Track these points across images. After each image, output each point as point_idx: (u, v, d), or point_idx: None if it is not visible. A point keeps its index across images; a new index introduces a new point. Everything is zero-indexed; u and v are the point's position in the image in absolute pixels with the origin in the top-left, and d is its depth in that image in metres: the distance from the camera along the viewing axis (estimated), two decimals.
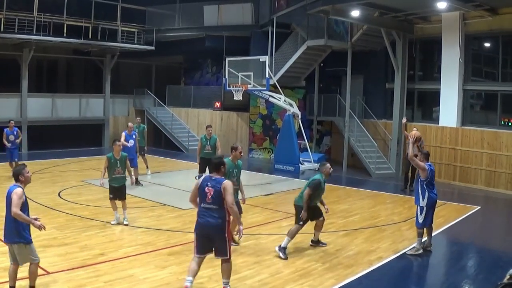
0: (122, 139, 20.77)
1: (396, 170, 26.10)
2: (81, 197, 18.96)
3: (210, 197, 9.52)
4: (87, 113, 35.05)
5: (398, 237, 14.55)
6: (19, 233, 9.11)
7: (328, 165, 13.29)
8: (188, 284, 9.48)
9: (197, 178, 17.25)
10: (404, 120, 20.26)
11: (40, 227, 9.24)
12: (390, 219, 16.77)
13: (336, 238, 14.31)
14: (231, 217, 9.81)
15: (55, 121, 33.24)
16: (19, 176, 9.39)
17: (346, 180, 25.16)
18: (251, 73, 26.88)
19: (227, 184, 9.59)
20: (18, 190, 9.11)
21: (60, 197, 18.62)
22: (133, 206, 17.82)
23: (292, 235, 12.84)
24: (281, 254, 12.53)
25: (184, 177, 23.93)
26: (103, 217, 15.96)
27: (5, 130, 21.54)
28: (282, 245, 12.71)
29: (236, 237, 9.89)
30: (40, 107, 33.08)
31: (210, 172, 10.02)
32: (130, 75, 40.67)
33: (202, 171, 19.43)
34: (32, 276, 9.41)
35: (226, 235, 9.59)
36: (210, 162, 10.38)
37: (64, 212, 16.12)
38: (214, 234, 9.54)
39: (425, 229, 13.08)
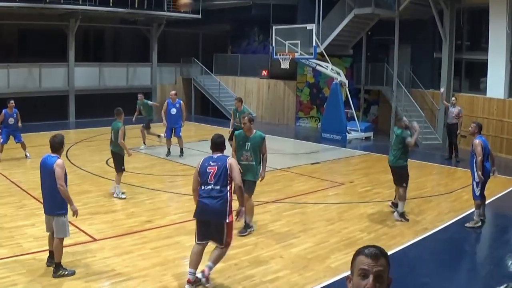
0: (165, 107, 21.04)
1: (443, 140, 25.86)
2: (128, 165, 19.22)
3: (213, 176, 8.78)
4: (134, 81, 35.35)
5: (444, 209, 14.60)
6: (61, 204, 9.21)
7: (404, 118, 14.18)
8: (191, 277, 8.84)
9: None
10: (442, 90, 20.20)
11: (75, 213, 9.43)
12: (436, 190, 16.77)
13: (382, 208, 14.35)
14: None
15: (102, 90, 33.62)
16: (62, 146, 9.52)
17: None
18: (298, 41, 26.86)
19: (233, 161, 9.18)
20: (60, 162, 9.14)
21: (108, 165, 18.92)
22: (180, 173, 18.15)
23: (404, 198, 13.15)
24: (403, 220, 13.05)
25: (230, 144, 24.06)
26: (150, 184, 16.32)
27: (4, 111, 19.91)
28: (399, 211, 13.18)
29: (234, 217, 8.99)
30: (87, 76, 33.52)
31: (212, 151, 9.31)
32: (177, 43, 40.82)
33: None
34: (58, 250, 9.22)
35: (227, 220, 8.80)
36: (213, 140, 9.35)
37: (111, 180, 16.35)
38: (214, 217, 8.82)
39: None
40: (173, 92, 21.96)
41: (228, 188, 8.83)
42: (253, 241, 11.27)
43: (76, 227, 11.63)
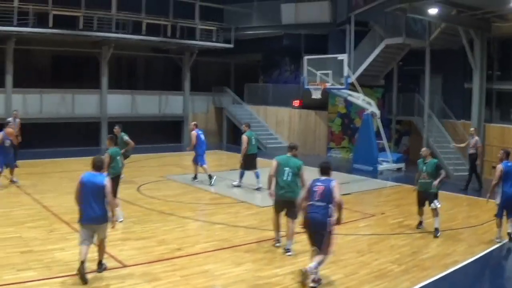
0: (195, 136, 21.20)
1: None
2: (160, 192, 19.33)
3: (319, 194, 10.49)
4: (166, 110, 35.58)
5: (475, 241, 14.37)
6: (106, 214, 10.41)
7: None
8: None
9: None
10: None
11: (114, 224, 10.68)
12: (467, 222, 16.55)
13: (413, 240, 14.23)
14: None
15: (134, 118, 33.81)
16: (104, 165, 10.94)
17: None
18: (330, 72, 26.93)
19: (337, 183, 10.72)
20: (108, 179, 10.57)
21: (139, 192, 19.05)
22: (210, 202, 18.19)
23: (438, 214, 14.66)
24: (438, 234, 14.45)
25: (263, 175, 24.02)
26: (181, 212, 16.33)
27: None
28: (436, 227, 14.56)
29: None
30: (119, 103, 33.91)
31: (321, 174, 10.99)
32: (209, 73, 41.13)
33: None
34: (102, 250, 10.73)
35: (329, 230, 10.40)
36: (321, 166, 11.28)
37: (142, 207, 16.55)
38: (320, 228, 10.36)
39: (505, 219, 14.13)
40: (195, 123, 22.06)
41: (330, 205, 10.42)
42: (283, 271, 11.22)
43: (107, 252, 11.65)
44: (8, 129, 19.34)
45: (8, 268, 10.52)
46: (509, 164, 14.06)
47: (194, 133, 21.16)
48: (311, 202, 10.55)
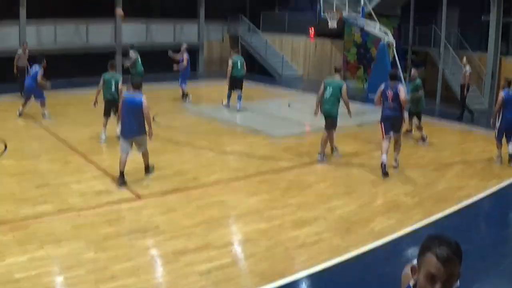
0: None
1: (489, 105, 25.54)
2: (175, 122, 19.37)
3: (391, 98, 13.71)
4: (181, 38, 35.35)
5: (488, 174, 14.36)
6: (144, 127, 12.47)
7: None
8: (384, 160, 13.56)
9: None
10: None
11: (151, 135, 12.61)
12: (481, 156, 16.52)
13: (426, 172, 14.27)
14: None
15: (149, 47, 33.62)
16: (141, 86, 12.45)
17: (439, 113, 24.77)
18: (346, 0, 26.60)
19: (402, 87, 14.11)
20: (145, 97, 12.23)
21: (154, 123, 19.02)
22: (225, 132, 18.22)
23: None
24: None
25: (277, 104, 24.03)
26: (196, 142, 16.40)
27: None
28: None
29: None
30: (134, 33, 33.59)
31: (390, 80, 13.99)
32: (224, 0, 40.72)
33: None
34: (147, 157, 12.86)
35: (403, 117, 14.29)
36: (390, 73, 14.64)
37: (158, 137, 16.57)
38: (396, 119, 13.92)
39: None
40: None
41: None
42: (296, 202, 11.33)
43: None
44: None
45: (25, 202, 10.65)
46: (510, 92, 15.08)
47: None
48: (385, 104, 13.92)
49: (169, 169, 13.48)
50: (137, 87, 12.34)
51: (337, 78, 15.01)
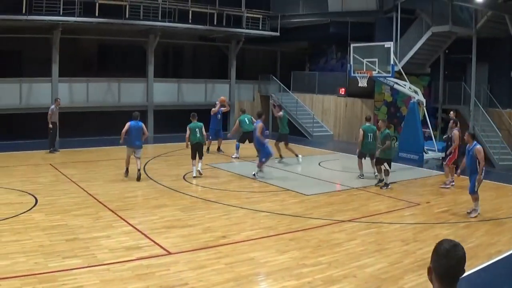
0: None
1: None
2: (206, 180, 19.46)
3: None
4: (213, 98, 35.65)
5: None
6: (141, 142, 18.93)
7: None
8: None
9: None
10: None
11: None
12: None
13: (457, 229, 14.13)
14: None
15: (180, 106, 33.97)
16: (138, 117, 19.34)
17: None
18: (376, 60, 26.78)
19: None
20: (141, 123, 18.99)
21: (185, 180, 19.26)
22: (256, 190, 18.23)
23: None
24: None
25: (308, 163, 24.08)
26: (226, 200, 16.40)
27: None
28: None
29: None
30: (165, 92, 34.10)
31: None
32: (255, 61, 41.22)
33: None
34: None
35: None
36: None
37: (188, 195, 16.74)
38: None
39: None
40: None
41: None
42: (327, 259, 11.25)
43: (152, 240, 11.86)
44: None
45: (54, 255, 10.69)
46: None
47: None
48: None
49: (199, 226, 13.48)
50: (135, 117, 19.40)
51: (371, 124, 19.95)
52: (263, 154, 20.48)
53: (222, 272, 10.27)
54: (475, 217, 15.20)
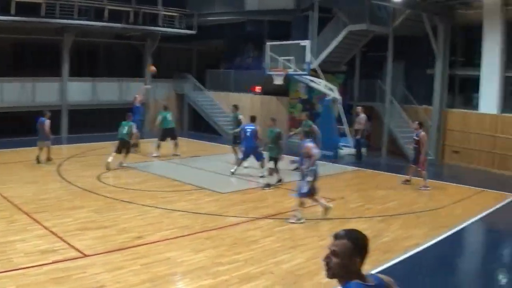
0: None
1: (435, 157, 25.96)
2: (121, 180, 19.27)
3: None
4: (127, 96, 35.26)
5: (435, 224, 14.59)
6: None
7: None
8: None
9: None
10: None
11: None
12: (428, 206, 16.76)
13: (373, 223, 14.40)
14: None
15: (95, 105, 33.62)
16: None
17: (385, 166, 25.13)
18: (292, 58, 27.02)
19: None
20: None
21: (99, 181, 18.97)
22: (171, 189, 18.12)
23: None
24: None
25: (223, 161, 24.09)
26: (141, 200, 16.25)
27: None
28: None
29: None
30: (80, 91, 33.58)
31: None
32: (171, 59, 40.91)
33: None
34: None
35: None
36: None
37: (103, 196, 16.48)
38: None
39: None
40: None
41: None
42: (243, 257, 11.28)
43: (67, 242, 11.65)
44: None
45: None
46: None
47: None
48: None
49: (114, 227, 13.31)
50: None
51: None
52: (259, 156, 20.74)
53: (138, 273, 10.17)
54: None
